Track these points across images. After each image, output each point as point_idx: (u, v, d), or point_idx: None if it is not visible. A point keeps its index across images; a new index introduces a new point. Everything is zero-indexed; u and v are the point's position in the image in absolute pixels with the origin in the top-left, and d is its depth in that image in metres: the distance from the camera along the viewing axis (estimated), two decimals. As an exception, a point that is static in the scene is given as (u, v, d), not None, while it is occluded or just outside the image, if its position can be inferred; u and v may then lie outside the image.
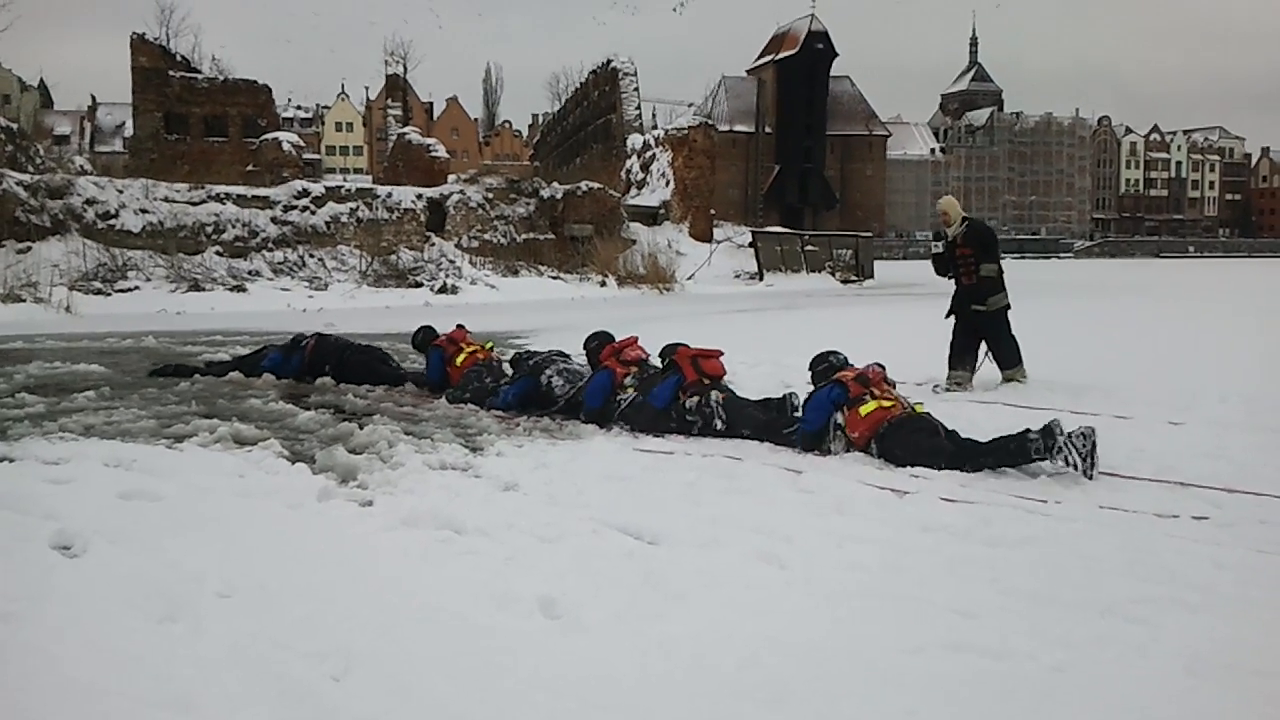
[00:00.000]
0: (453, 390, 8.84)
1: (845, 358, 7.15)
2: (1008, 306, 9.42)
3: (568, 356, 8.58)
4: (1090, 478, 5.53)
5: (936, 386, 9.09)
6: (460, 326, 9.72)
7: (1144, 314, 21.52)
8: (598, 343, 8.24)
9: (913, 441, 6.03)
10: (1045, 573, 4.05)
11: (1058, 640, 3.36)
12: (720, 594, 3.83)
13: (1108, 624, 3.52)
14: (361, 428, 7.14)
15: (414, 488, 5.46)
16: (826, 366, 7.03)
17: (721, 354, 7.57)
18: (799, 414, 6.86)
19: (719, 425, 6.98)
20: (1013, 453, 5.74)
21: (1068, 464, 5.57)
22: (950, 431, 6.15)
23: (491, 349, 9.48)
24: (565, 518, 4.90)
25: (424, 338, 9.76)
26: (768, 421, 6.93)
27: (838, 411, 6.39)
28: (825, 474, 5.83)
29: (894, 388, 6.64)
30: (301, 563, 4.10)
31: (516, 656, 3.24)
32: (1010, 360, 9.31)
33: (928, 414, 6.34)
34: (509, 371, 8.78)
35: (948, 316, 9.51)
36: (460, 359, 9.15)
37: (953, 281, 9.52)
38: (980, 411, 7.65)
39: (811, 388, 6.94)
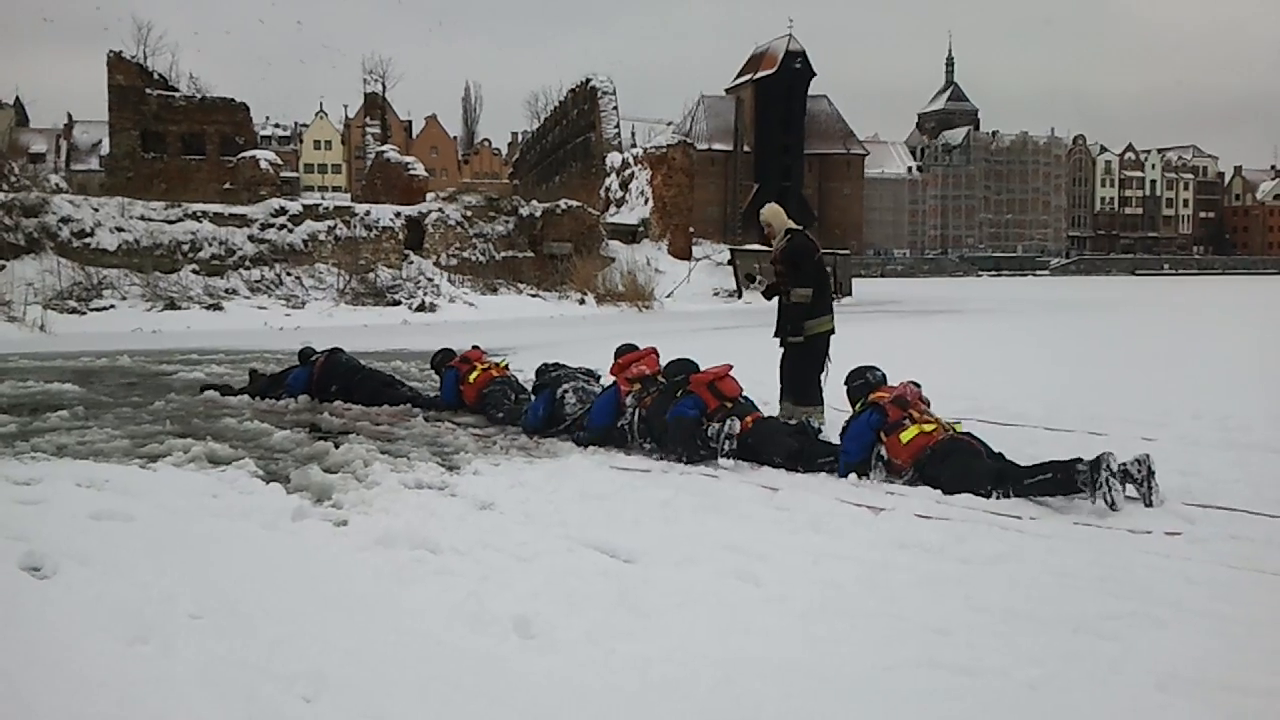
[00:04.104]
0: (490, 412, 8.75)
1: (883, 375, 6.85)
2: (827, 333, 8.21)
3: (597, 377, 8.43)
4: (1150, 504, 5.38)
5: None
6: (476, 347, 9.77)
7: (1118, 331, 21.69)
8: (618, 354, 7.88)
9: (958, 468, 5.83)
10: (1018, 589, 4.07)
11: (1030, 657, 3.37)
12: (695, 612, 3.82)
13: (1080, 640, 3.54)
14: (337, 447, 7.11)
15: (389, 507, 5.44)
16: (863, 383, 6.75)
17: (731, 368, 7.29)
18: (822, 437, 6.80)
19: (727, 458, 6.58)
20: (1059, 482, 5.48)
21: (1131, 490, 5.44)
22: (994, 453, 5.99)
23: (506, 366, 9.50)
24: (541, 537, 4.90)
25: (441, 359, 9.80)
26: (801, 449, 6.64)
27: (878, 438, 6.18)
28: (801, 491, 5.84)
29: (929, 406, 6.49)
30: (274, 583, 4.08)
31: (490, 677, 3.22)
32: (806, 398, 8.08)
33: (968, 434, 6.19)
34: (527, 387, 8.71)
35: (775, 336, 8.40)
36: (473, 376, 9.15)
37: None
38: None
39: (848, 407, 6.78)
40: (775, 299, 8.44)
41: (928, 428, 6.12)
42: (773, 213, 8.60)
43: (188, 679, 3.12)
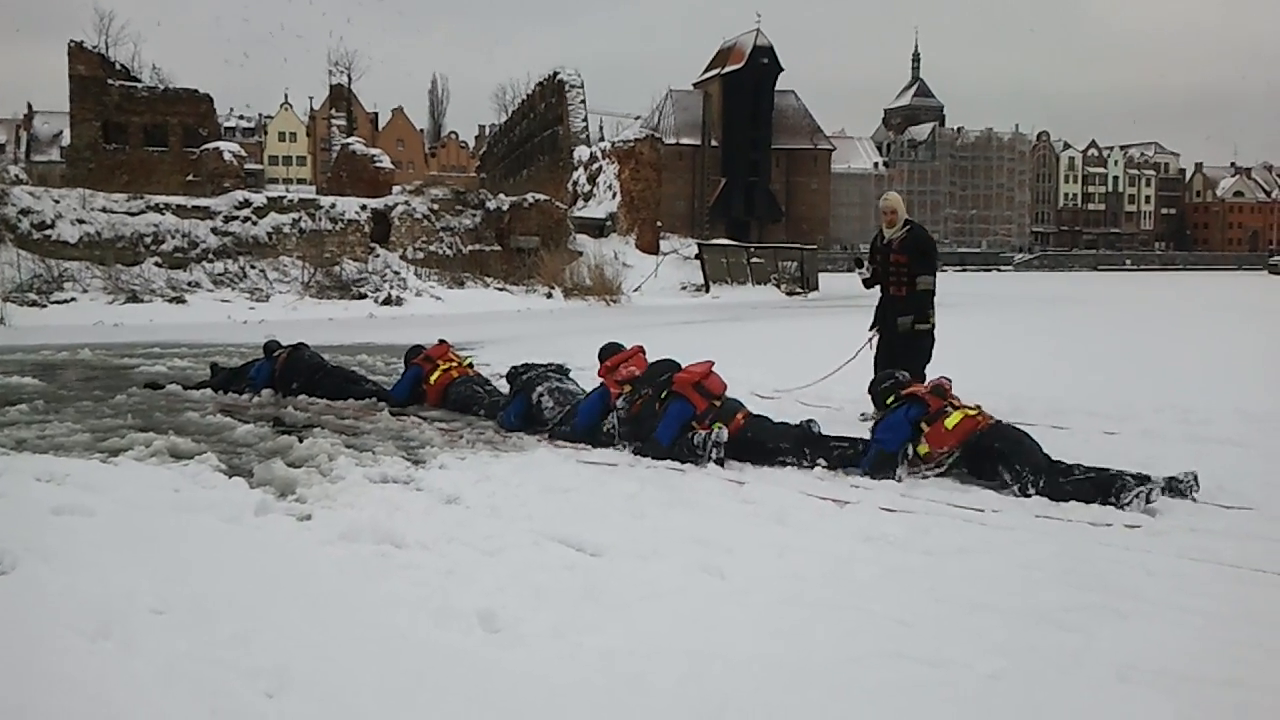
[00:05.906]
0: (475, 410, 8.62)
1: (908, 376, 6.87)
2: (931, 328, 8.58)
3: (567, 372, 8.36)
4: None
5: (864, 415, 7.96)
6: (442, 341, 9.66)
7: (1081, 325, 21.90)
8: (602, 354, 7.79)
9: (1015, 453, 5.79)
10: (982, 581, 4.10)
11: (994, 648, 3.40)
12: (661, 606, 3.83)
13: (1042, 631, 3.58)
14: (301, 441, 7.05)
15: (353, 501, 5.40)
16: (893, 383, 6.74)
17: (713, 364, 7.12)
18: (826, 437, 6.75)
19: (713, 458, 6.39)
20: (1100, 487, 5.43)
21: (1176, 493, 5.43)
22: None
23: (470, 365, 9.44)
24: (507, 530, 4.88)
25: (410, 355, 9.65)
26: (807, 433, 6.59)
27: (917, 430, 6.14)
28: (767, 485, 5.86)
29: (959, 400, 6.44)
30: (237, 578, 4.04)
31: (455, 672, 3.21)
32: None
33: (1014, 426, 6.19)
34: (493, 381, 8.60)
35: (872, 329, 8.76)
36: (434, 378, 9.08)
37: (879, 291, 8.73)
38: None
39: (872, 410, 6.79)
40: (875, 288, 8.73)
41: (971, 411, 6.19)
42: (897, 201, 8.72)
43: (150, 675, 3.09)
